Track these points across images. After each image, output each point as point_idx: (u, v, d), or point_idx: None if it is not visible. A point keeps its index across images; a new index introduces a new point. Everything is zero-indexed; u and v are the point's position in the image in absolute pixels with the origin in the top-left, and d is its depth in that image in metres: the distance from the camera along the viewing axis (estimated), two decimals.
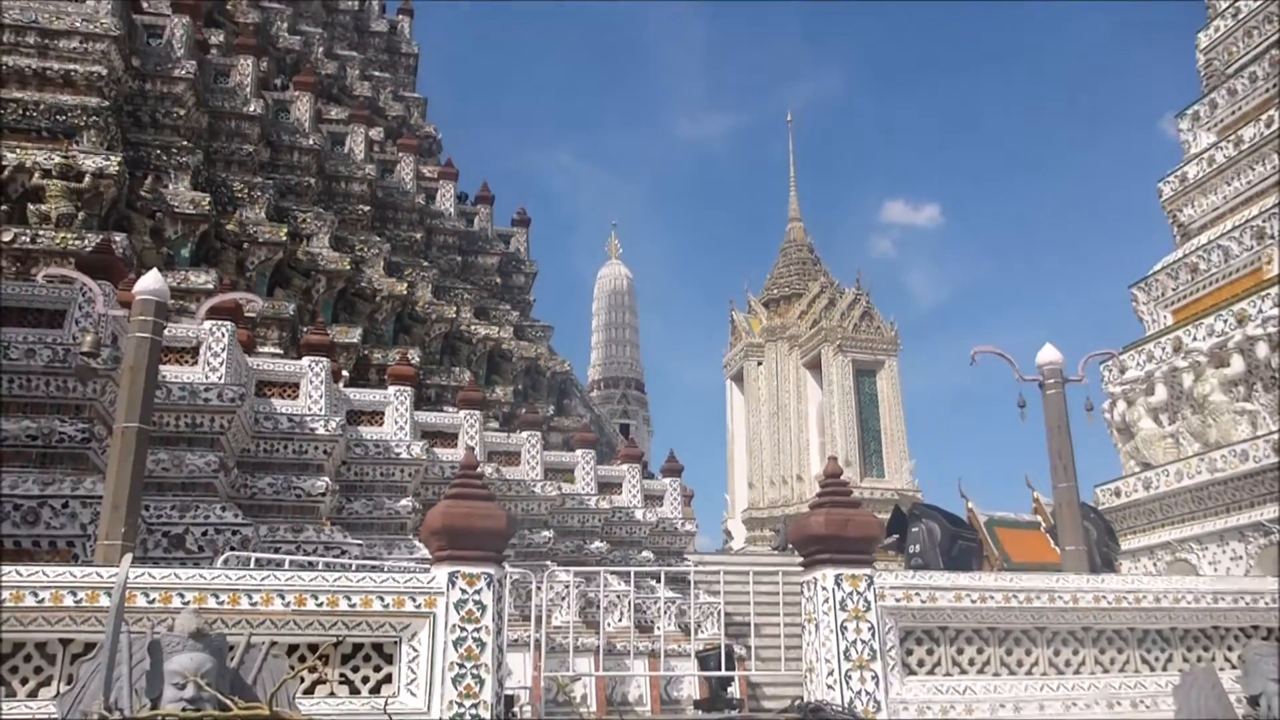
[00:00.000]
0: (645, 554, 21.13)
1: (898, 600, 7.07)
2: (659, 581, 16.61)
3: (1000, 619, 7.30)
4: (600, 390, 51.54)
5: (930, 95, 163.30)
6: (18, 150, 16.97)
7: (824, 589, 6.96)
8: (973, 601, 7.22)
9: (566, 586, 16.20)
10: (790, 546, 22.65)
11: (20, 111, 17.59)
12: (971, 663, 7.27)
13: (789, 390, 41.86)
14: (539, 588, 12.11)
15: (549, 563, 17.14)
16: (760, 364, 43.30)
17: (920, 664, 7.16)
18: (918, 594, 7.13)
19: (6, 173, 16.68)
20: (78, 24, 18.39)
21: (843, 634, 6.82)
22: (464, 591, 6.00)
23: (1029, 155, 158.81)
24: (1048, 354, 9.68)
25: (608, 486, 21.12)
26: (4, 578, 5.34)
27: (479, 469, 6.78)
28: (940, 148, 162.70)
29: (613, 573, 16.59)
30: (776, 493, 40.78)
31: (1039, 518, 25.01)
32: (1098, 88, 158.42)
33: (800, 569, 7.43)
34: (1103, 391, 13.74)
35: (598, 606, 16.87)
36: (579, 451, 20.98)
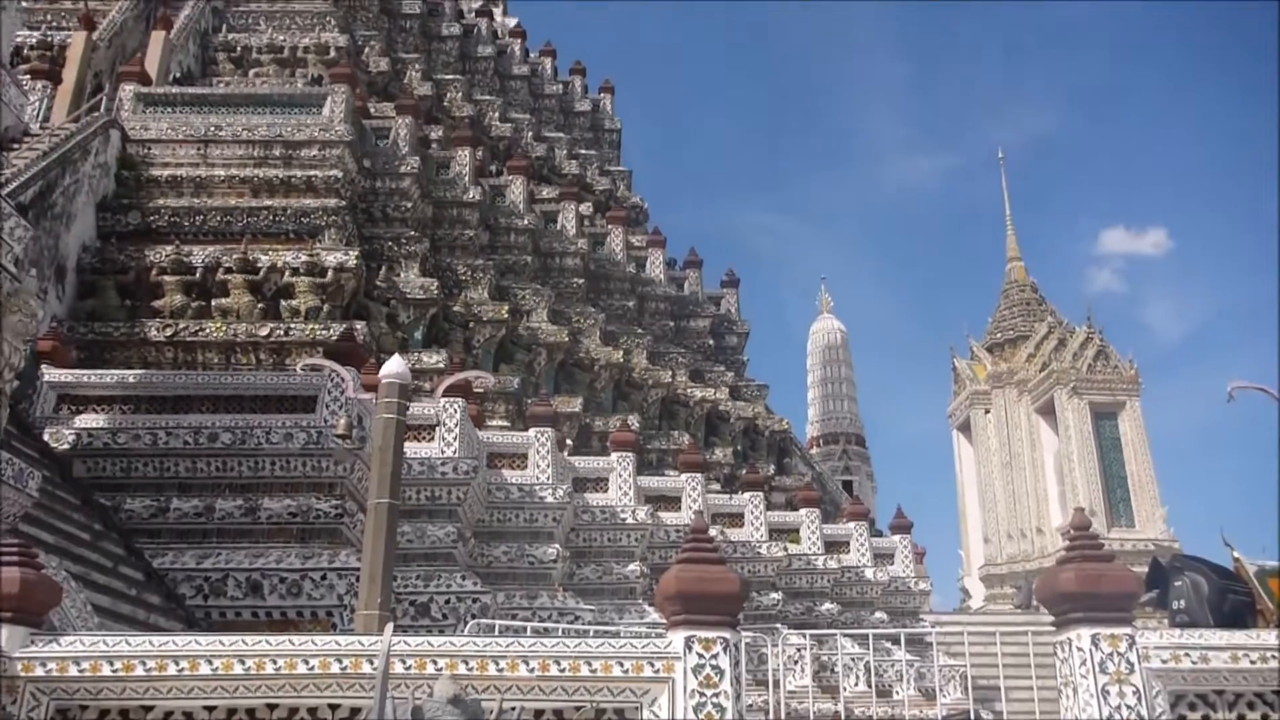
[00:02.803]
0: (878, 615, 20.47)
1: (1164, 662, 6.50)
2: (895, 644, 16.02)
3: None
4: (820, 447, 50.70)
5: (1138, 114, 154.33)
6: (270, 252, 18.61)
7: (1080, 650, 6.49)
8: (1252, 662, 6.56)
9: (799, 650, 15.86)
10: (1036, 604, 21.36)
11: (271, 217, 19.32)
12: None
13: (1021, 438, 39.88)
14: (772, 651, 11.92)
15: (779, 626, 16.86)
16: (988, 412, 41.51)
17: None
18: (1188, 654, 6.54)
19: (262, 273, 18.29)
20: (316, 134, 20.12)
21: (1104, 699, 6.33)
22: (701, 656, 5.97)
23: (1265, 163, 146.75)
24: None
25: (834, 545, 20.67)
26: (278, 647, 5.74)
27: (708, 532, 6.77)
28: (1158, 168, 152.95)
29: (847, 635, 16.11)
30: (1015, 547, 38.70)
31: None
32: None
33: (1051, 629, 6.97)
34: None
35: (832, 670, 16.43)
36: (803, 511, 20.69)
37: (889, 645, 17.37)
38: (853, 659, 16.56)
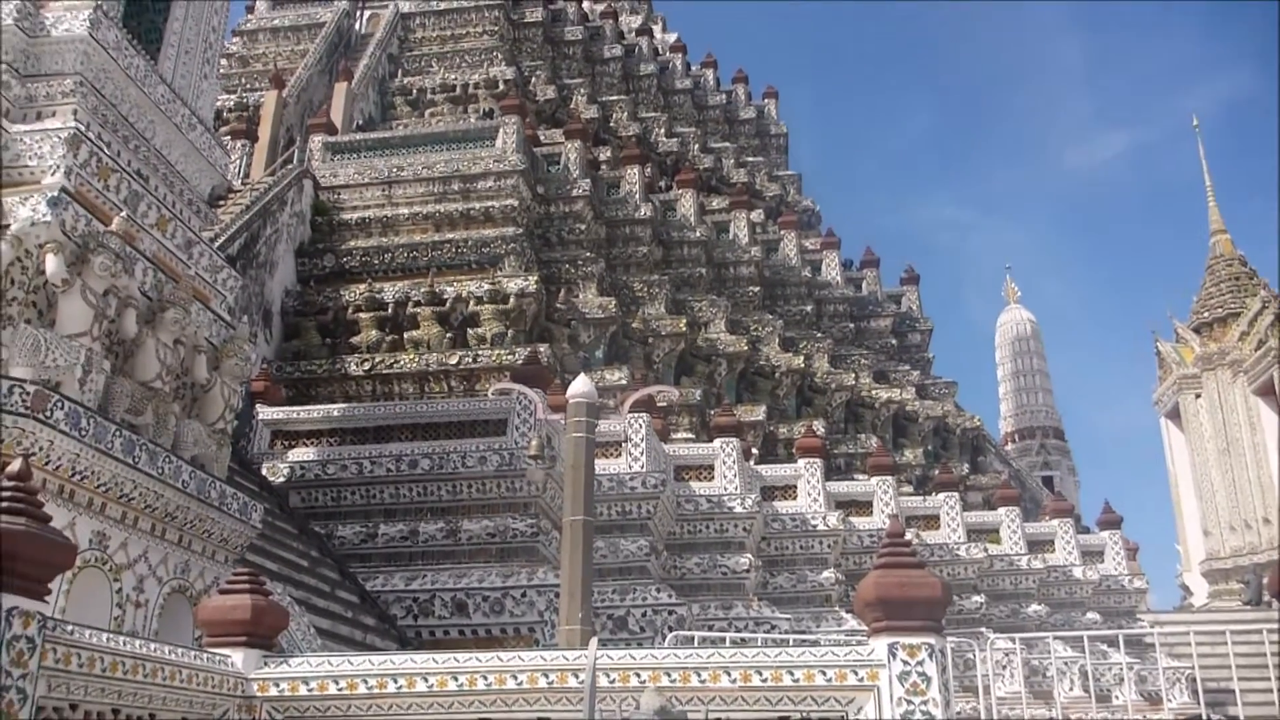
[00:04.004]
0: (1090, 616, 19.45)
1: None
2: (1112, 645, 15.16)
3: None
4: (1015, 443, 48.68)
5: None
6: (454, 283, 19.37)
7: None
8: None
9: (1007, 654, 15.22)
10: (1268, 599, 19.80)
11: (453, 250, 20.12)
12: None
13: (1238, 423, 37.09)
14: (979, 656, 11.47)
15: (984, 629, 16.23)
16: (1198, 396, 38.81)
17: None
18: None
19: (448, 304, 19.06)
20: (490, 165, 20.83)
21: None
22: (906, 663, 5.80)
23: None
24: None
25: (1038, 545, 19.78)
26: (487, 663, 5.93)
27: (905, 535, 6.59)
28: None
29: (1059, 637, 15.36)
30: (1239, 539, 36.00)
31: None
32: None
33: None
34: None
35: (1045, 675, 15.69)
36: (1001, 510, 19.90)
37: (1105, 647, 16.45)
38: (1066, 662, 15.76)
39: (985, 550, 18.63)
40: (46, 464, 7.56)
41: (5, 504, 4.82)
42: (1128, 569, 20.92)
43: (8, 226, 8.14)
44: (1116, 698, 15.48)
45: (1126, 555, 21.50)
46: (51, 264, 8.11)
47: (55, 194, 8.29)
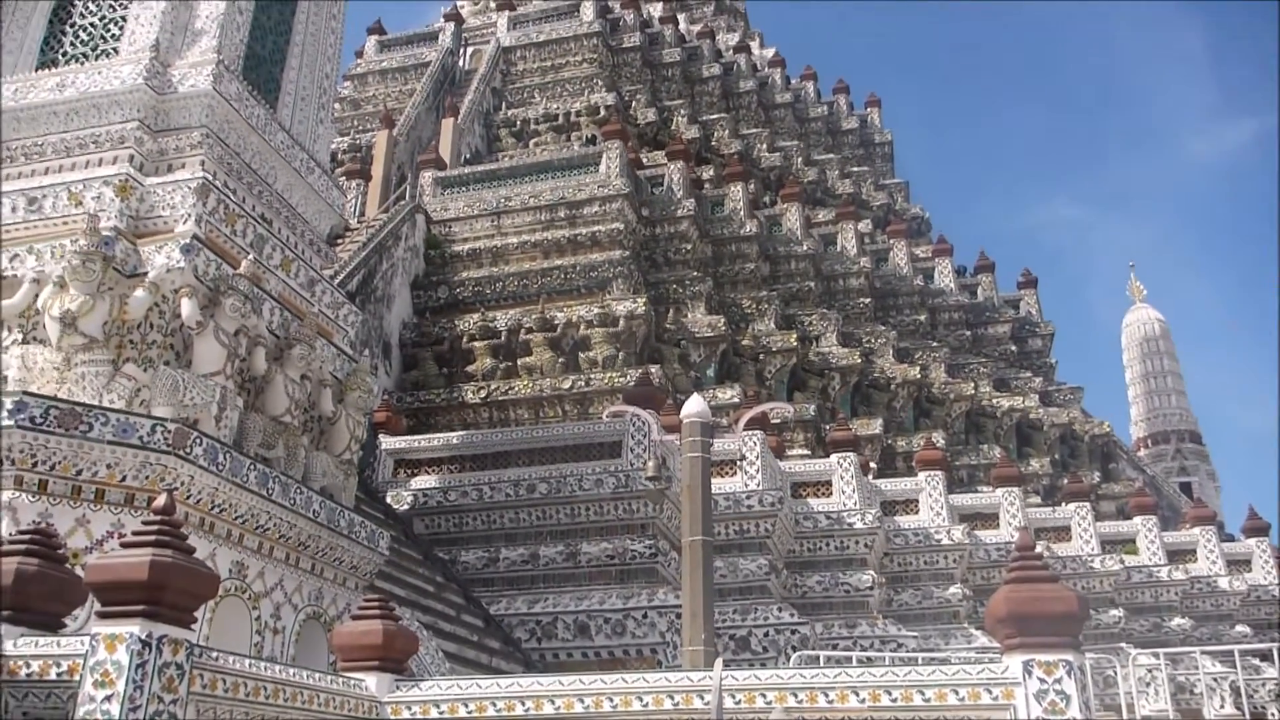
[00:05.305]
0: (1239, 629, 18.48)
1: None
2: (1264, 660, 14.39)
3: None
4: (1148, 448, 46.72)
5: None
6: (565, 309, 19.63)
7: None
8: None
9: (1150, 670, 14.57)
10: None
11: (562, 276, 20.41)
12: None
13: None
14: (1121, 673, 11.02)
15: (1123, 645, 15.59)
16: None
17: None
18: None
19: (559, 329, 19.32)
20: (595, 191, 21.10)
21: None
22: (1043, 681, 5.61)
23: None
24: None
25: (1178, 554, 18.91)
26: (612, 685, 5.95)
27: (1035, 548, 6.38)
28: None
29: (1207, 652, 14.65)
30: None
31: None
32: None
33: None
34: None
35: (1192, 692, 14.96)
36: (1137, 519, 19.11)
37: (1257, 662, 15.61)
38: (1215, 678, 14.99)
39: (1121, 562, 17.89)
40: (188, 498, 7.91)
41: (153, 537, 5.07)
42: (1278, 578, 19.83)
43: (146, 274, 8.59)
44: (1272, 715, 14.67)
45: (1276, 564, 20.37)
46: (187, 307, 8.52)
47: (187, 241, 8.72)
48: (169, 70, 9.93)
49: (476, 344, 19.57)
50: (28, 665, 5.15)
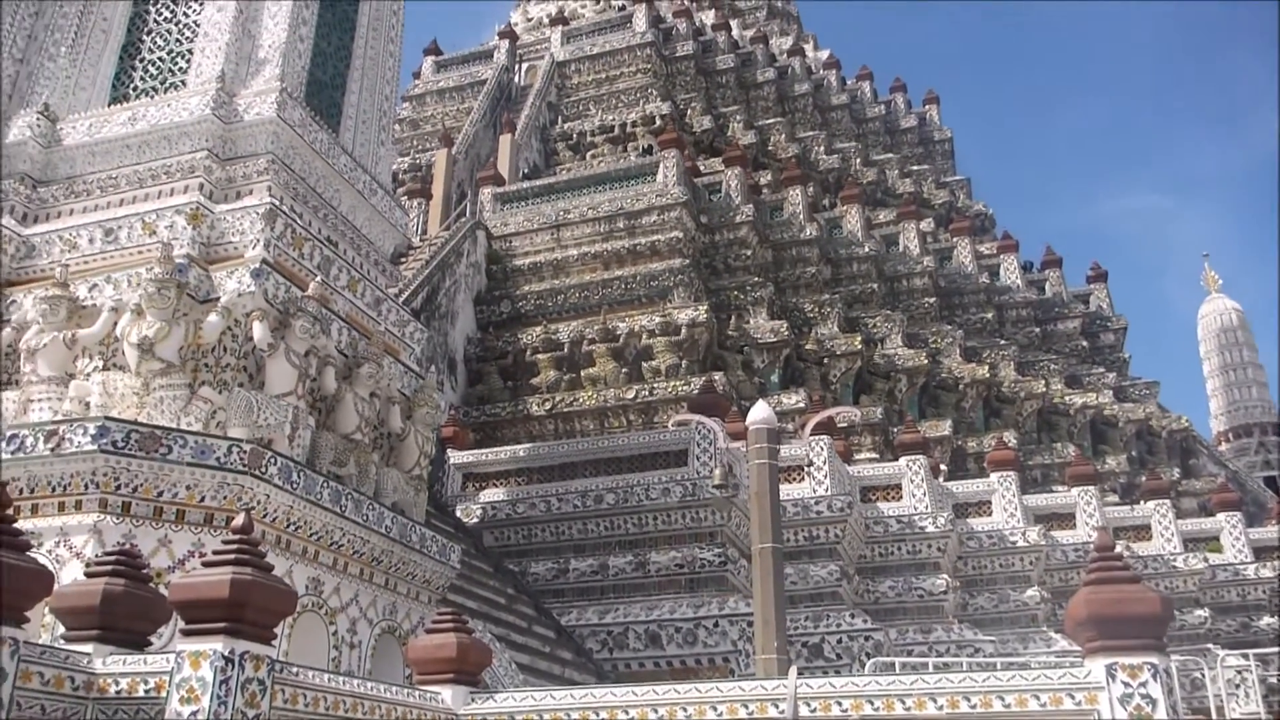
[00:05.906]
0: None
1: None
2: None
3: None
4: (1229, 442, 45.38)
5: None
6: (626, 319, 19.69)
7: None
8: None
9: (1240, 672, 14.13)
10: None
11: (623, 287, 20.48)
12: None
13: None
14: (1209, 675, 10.71)
15: (1210, 646, 15.14)
16: None
17: None
18: None
19: (621, 339, 19.38)
20: (653, 200, 21.14)
21: None
22: (1127, 685, 5.47)
23: None
24: None
25: (1265, 551, 18.33)
26: (685, 695, 5.94)
27: (1115, 548, 6.23)
28: None
29: None
30: None
31: None
32: None
33: None
34: None
35: None
36: (1221, 515, 18.58)
37: None
38: None
39: (1205, 560, 17.40)
40: (264, 516, 8.08)
41: (233, 556, 5.18)
42: None
43: (218, 299, 8.81)
44: None
45: None
46: (258, 330, 8.71)
47: (257, 265, 8.92)
48: (235, 100, 10.18)
49: (540, 356, 19.71)
50: (116, 683, 5.30)
